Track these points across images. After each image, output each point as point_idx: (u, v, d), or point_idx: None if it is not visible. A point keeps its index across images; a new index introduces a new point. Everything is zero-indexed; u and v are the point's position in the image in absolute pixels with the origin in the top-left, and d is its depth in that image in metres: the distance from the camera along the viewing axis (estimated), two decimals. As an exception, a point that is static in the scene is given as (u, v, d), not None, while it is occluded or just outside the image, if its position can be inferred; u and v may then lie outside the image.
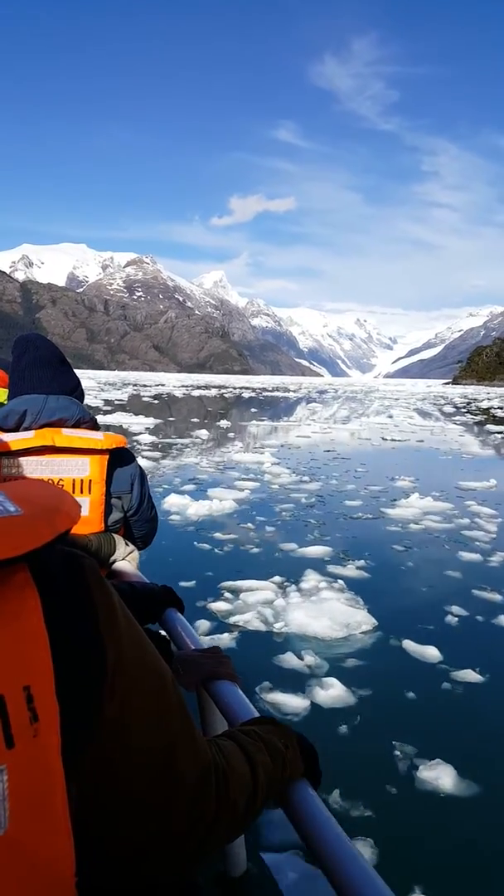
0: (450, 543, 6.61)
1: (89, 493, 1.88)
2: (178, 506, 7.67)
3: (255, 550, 6.13)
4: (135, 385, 67.34)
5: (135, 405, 31.63)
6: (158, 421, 21.66)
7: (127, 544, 2.06)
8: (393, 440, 17.29)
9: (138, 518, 2.14)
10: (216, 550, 6.06)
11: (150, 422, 20.64)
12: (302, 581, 5.17)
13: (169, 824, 0.60)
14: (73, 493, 1.83)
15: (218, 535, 6.64)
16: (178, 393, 52.34)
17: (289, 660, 3.80)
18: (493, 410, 37.60)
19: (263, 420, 25.06)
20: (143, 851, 0.58)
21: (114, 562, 2.00)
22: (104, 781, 0.53)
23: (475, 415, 32.51)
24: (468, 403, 47.08)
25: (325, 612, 4.44)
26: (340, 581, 5.19)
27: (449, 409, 38.78)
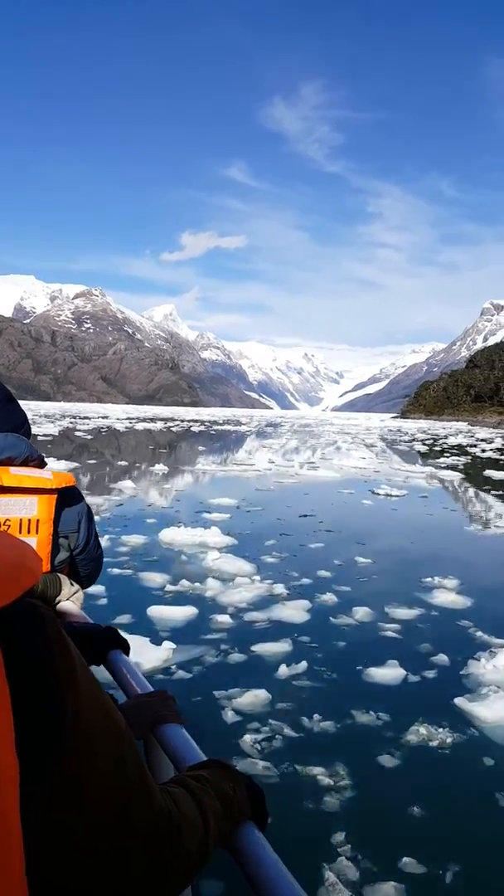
0: None
1: (36, 532, 1.83)
2: None
3: None
4: (74, 418, 61.67)
5: (59, 444, 26.61)
6: (75, 465, 16.85)
7: (72, 584, 1.98)
8: (388, 496, 12.95)
9: (84, 557, 2.09)
10: None
11: (64, 468, 15.80)
12: None
13: (124, 875, 0.60)
14: (20, 533, 1.80)
15: None
16: (121, 426, 47.33)
17: None
18: (468, 448, 34.05)
19: (212, 462, 20.49)
20: None
21: (58, 602, 1.92)
22: (60, 834, 0.52)
23: (455, 455, 28.74)
24: (434, 441, 43.50)
25: None
26: None
27: (420, 447, 35.14)
